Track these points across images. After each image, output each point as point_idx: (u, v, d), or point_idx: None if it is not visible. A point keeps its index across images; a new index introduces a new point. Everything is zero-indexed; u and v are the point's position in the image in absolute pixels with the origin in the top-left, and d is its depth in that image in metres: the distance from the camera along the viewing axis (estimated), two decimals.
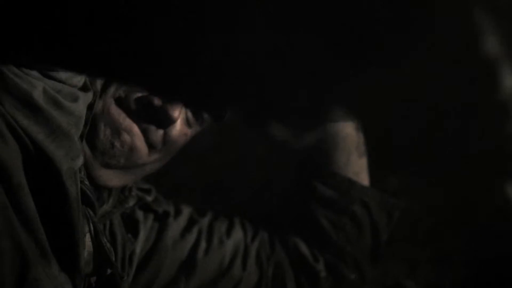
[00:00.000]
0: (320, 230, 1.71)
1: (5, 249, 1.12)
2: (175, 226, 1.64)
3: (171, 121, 1.43)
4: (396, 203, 1.74)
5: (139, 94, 1.42)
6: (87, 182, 1.35)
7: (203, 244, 1.64)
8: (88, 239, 1.32)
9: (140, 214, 1.57)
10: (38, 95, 1.14)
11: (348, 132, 1.70)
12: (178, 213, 1.66)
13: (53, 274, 1.17)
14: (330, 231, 1.71)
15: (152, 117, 1.43)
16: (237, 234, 1.69)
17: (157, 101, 1.42)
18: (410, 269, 1.92)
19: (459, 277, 1.85)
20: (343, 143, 1.71)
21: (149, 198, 1.59)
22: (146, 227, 1.57)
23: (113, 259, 1.34)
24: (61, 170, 1.17)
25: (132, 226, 1.52)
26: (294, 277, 1.69)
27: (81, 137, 1.25)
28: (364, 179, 1.74)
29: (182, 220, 1.65)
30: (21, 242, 1.14)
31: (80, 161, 1.21)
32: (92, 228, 1.33)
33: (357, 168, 1.73)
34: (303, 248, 1.71)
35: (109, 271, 1.33)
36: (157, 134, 1.44)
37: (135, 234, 1.51)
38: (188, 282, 1.60)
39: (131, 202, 1.53)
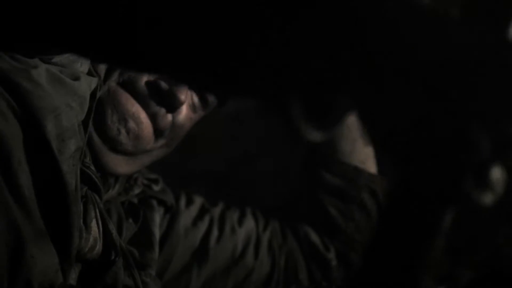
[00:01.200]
0: (329, 219, 1.71)
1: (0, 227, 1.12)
2: (187, 215, 1.64)
3: (179, 104, 1.42)
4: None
5: (146, 78, 1.42)
6: (93, 168, 1.34)
7: (215, 232, 1.64)
8: (94, 225, 1.32)
9: (151, 202, 1.57)
10: (38, 73, 1.14)
11: (352, 120, 1.70)
12: (189, 202, 1.66)
13: (49, 252, 1.17)
14: (339, 220, 1.71)
15: (160, 101, 1.42)
16: (249, 223, 1.69)
17: (164, 85, 1.42)
18: None
19: (473, 270, 1.84)
20: (348, 131, 1.71)
21: (156, 188, 1.58)
22: (160, 214, 1.57)
23: (119, 244, 1.34)
24: (54, 151, 1.16)
25: (134, 213, 1.52)
26: (305, 265, 1.69)
27: (86, 122, 1.25)
28: (370, 167, 1.74)
29: (194, 208, 1.65)
30: (17, 220, 1.13)
31: (73, 144, 1.20)
32: (98, 213, 1.33)
33: (363, 156, 1.73)
34: (314, 237, 1.71)
35: (114, 256, 1.32)
36: (165, 118, 1.43)
37: (136, 220, 1.50)
38: (201, 269, 1.60)
39: (136, 190, 1.52)
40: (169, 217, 1.61)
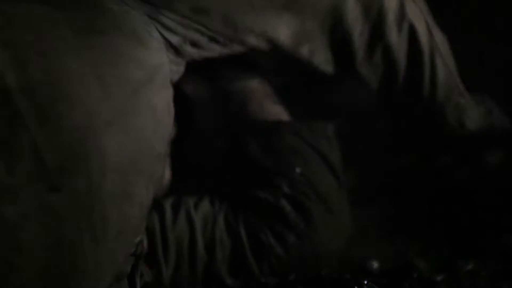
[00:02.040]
0: (265, 173, 1.79)
1: None
2: None
3: None
4: (324, 124, 1.83)
5: None
6: None
7: (169, 215, 1.70)
8: None
9: None
10: None
11: (254, 85, 1.83)
12: None
13: None
14: (274, 171, 1.79)
15: None
16: (205, 206, 1.74)
17: None
18: (421, 248, 1.91)
19: (470, 255, 1.84)
20: (253, 94, 1.83)
21: None
22: None
23: None
24: None
25: None
26: (266, 226, 1.75)
27: None
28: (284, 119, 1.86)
29: None
30: None
31: None
32: None
33: (274, 112, 1.84)
34: (261, 193, 1.77)
35: None
36: None
37: None
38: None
39: None
40: None
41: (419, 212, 1.99)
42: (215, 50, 1.62)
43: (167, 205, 1.72)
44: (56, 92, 1.23)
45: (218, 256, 1.71)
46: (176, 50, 1.55)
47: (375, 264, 1.82)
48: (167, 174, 1.74)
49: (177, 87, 1.62)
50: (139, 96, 1.34)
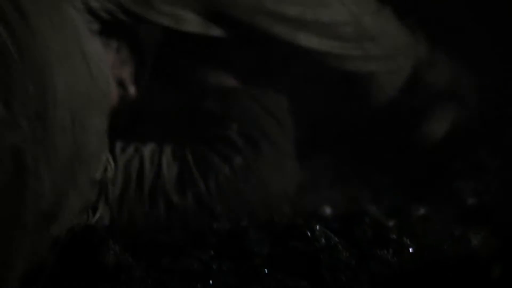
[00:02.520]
0: (217, 119, 1.87)
1: None
2: None
3: None
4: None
5: None
6: None
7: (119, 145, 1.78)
8: None
9: None
10: None
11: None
12: None
13: None
14: (226, 116, 1.88)
15: None
16: (153, 145, 1.82)
17: None
18: (373, 194, 1.93)
19: (422, 200, 1.86)
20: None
21: None
22: None
23: None
24: None
25: None
26: (213, 151, 1.82)
27: None
28: None
29: None
30: None
31: None
32: None
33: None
34: (210, 131, 1.85)
35: None
36: None
37: None
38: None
39: None
40: None
41: (371, 158, 2.00)
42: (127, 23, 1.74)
43: (118, 141, 1.78)
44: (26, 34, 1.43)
45: (165, 175, 1.77)
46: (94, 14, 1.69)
47: (328, 210, 1.83)
48: (132, 90, 1.83)
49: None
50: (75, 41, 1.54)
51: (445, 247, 1.59)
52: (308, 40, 1.88)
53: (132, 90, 1.82)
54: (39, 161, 1.35)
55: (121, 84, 1.80)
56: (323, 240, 1.62)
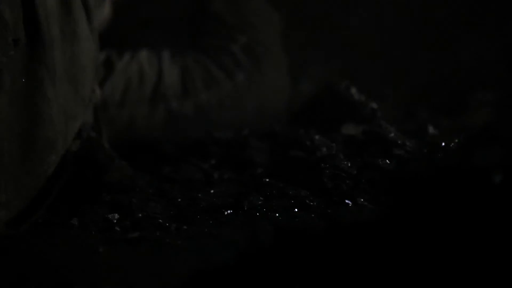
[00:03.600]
0: (223, 26, 1.85)
1: None
2: None
3: None
4: None
5: None
6: None
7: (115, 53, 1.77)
8: None
9: None
10: None
11: None
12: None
13: None
14: (233, 25, 1.85)
15: None
16: (147, 50, 1.81)
17: None
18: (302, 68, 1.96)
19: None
20: None
21: None
22: None
23: None
24: None
25: None
26: (214, 62, 1.81)
27: None
28: None
29: None
30: None
31: None
32: None
33: None
34: (214, 40, 1.84)
35: None
36: None
37: None
38: None
39: None
40: None
41: None
42: None
43: (114, 49, 1.77)
44: None
45: (165, 80, 1.76)
46: None
47: None
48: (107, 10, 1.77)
49: None
50: None
51: (446, 155, 1.60)
52: None
53: None
54: (44, 81, 1.33)
55: None
56: (324, 149, 1.63)
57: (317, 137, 1.66)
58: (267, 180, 1.57)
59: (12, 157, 1.31)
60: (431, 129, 1.73)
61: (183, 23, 1.86)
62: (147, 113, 1.75)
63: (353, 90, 1.82)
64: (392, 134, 1.67)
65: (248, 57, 1.81)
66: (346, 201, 1.49)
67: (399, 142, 1.64)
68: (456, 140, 1.65)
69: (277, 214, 1.46)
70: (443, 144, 1.65)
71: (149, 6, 1.87)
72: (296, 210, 1.48)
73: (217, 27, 1.84)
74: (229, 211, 1.47)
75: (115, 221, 1.44)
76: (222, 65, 1.80)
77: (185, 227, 1.43)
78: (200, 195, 1.55)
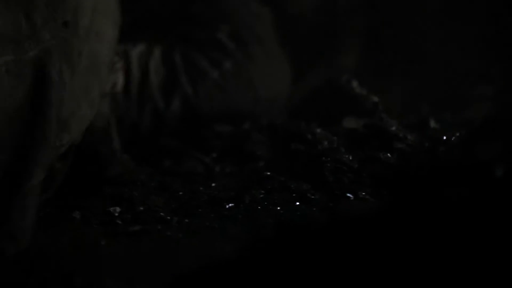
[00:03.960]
0: (207, 18, 1.85)
1: None
2: None
3: None
4: None
5: None
6: None
7: None
8: None
9: None
10: None
11: None
12: None
13: None
14: (215, 16, 1.85)
15: None
16: (141, 46, 1.80)
17: None
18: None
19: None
20: None
21: None
22: None
23: None
24: None
25: None
26: (202, 54, 1.80)
27: None
28: None
29: None
30: None
31: None
32: None
33: None
34: (200, 31, 1.84)
35: None
36: None
37: None
38: None
39: None
40: None
41: None
42: None
43: None
44: None
45: (152, 81, 1.75)
46: None
47: None
48: None
49: None
50: None
51: (447, 148, 1.61)
52: None
53: None
54: (63, 72, 1.35)
55: None
56: (325, 143, 1.63)
57: (318, 130, 1.66)
58: (269, 173, 1.57)
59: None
60: (432, 123, 1.73)
61: (169, 21, 1.86)
62: (134, 115, 1.73)
63: (354, 84, 1.82)
64: (394, 128, 1.67)
65: (235, 43, 1.80)
66: (348, 194, 1.50)
67: (400, 135, 1.65)
68: (457, 134, 1.65)
69: (278, 208, 1.47)
70: (444, 137, 1.65)
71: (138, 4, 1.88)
72: (297, 203, 1.48)
73: (199, 22, 1.83)
74: (230, 205, 1.48)
75: (116, 214, 1.45)
76: (208, 54, 1.79)
77: (186, 220, 1.43)
78: (201, 188, 1.55)
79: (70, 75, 1.35)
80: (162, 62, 1.77)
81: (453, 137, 1.65)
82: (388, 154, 1.60)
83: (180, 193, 1.53)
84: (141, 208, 1.46)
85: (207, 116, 1.76)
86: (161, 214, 1.44)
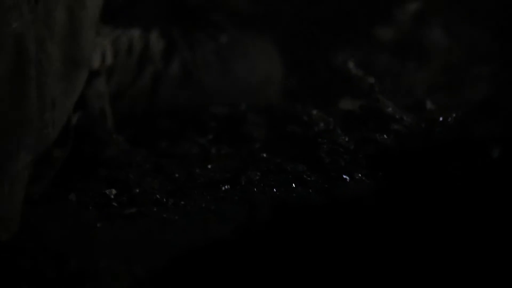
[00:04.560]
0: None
1: None
2: None
3: None
4: None
5: None
6: None
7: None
8: None
9: None
10: None
11: None
12: None
13: None
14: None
15: None
16: (141, 29, 1.81)
17: None
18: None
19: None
20: None
21: None
22: None
23: None
24: None
25: None
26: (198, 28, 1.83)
27: None
28: None
29: None
30: None
31: None
32: None
33: None
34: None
35: None
36: None
37: None
38: None
39: None
40: None
41: None
42: None
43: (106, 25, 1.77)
44: None
45: (153, 47, 1.78)
46: None
47: None
48: None
49: None
50: None
51: (442, 130, 1.60)
52: None
53: None
54: (42, 45, 1.33)
55: None
56: (322, 124, 1.63)
57: (314, 112, 1.66)
58: (265, 155, 1.57)
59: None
60: (428, 104, 1.73)
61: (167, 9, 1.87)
62: (133, 78, 1.75)
63: (351, 65, 1.82)
64: (390, 109, 1.66)
65: (232, 23, 1.81)
66: (344, 176, 1.50)
67: (396, 117, 1.64)
68: (454, 115, 1.65)
69: (274, 189, 1.47)
70: (440, 118, 1.65)
71: None
72: (293, 185, 1.48)
73: (196, 7, 1.85)
74: (226, 186, 1.48)
75: (112, 196, 1.45)
76: (205, 30, 1.82)
77: (182, 202, 1.43)
78: (197, 170, 1.55)
79: (50, 46, 1.34)
80: (162, 35, 1.80)
81: (449, 118, 1.64)
82: (385, 136, 1.59)
83: (176, 175, 1.53)
84: (137, 190, 1.46)
85: (205, 89, 1.77)
86: (157, 196, 1.44)
